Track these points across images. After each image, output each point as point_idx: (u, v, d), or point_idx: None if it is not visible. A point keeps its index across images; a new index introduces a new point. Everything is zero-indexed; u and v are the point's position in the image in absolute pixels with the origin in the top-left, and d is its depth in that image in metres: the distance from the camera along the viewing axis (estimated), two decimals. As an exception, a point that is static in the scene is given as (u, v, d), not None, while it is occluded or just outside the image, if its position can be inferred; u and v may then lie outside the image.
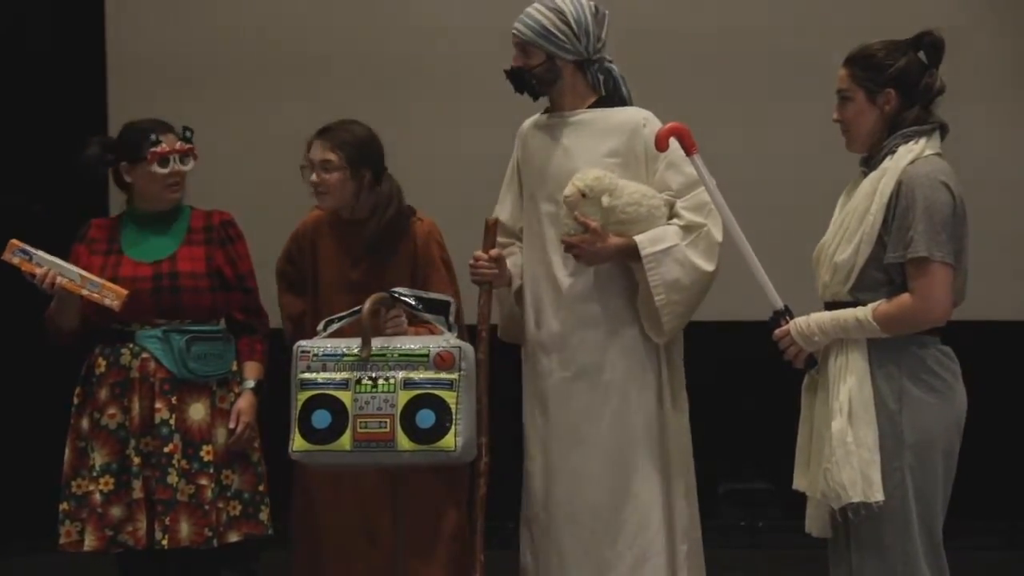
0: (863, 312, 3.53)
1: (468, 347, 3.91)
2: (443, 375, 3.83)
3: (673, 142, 3.78)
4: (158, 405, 4.11)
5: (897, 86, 3.59)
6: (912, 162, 3.55)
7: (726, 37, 6.20)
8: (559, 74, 4.16)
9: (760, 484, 6.21)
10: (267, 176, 5.95)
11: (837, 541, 3.69)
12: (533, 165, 4.25)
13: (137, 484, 4.08)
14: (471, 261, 4.16)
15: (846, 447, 3.50)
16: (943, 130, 3.64)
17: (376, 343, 3.87)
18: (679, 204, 4.11)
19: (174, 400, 4.12)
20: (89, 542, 4.08)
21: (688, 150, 3.74)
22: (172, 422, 4.11)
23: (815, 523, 3.70)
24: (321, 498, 4.23)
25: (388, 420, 3.80)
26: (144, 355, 4.13)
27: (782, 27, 6.24)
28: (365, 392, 3.83)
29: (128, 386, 4.12)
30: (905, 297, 3.52)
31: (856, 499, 3.49)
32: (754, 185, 5.81)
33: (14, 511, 6.14)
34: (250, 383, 4.25)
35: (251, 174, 6.07)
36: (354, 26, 6.29)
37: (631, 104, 4.23)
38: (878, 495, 3.49)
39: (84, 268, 4.13)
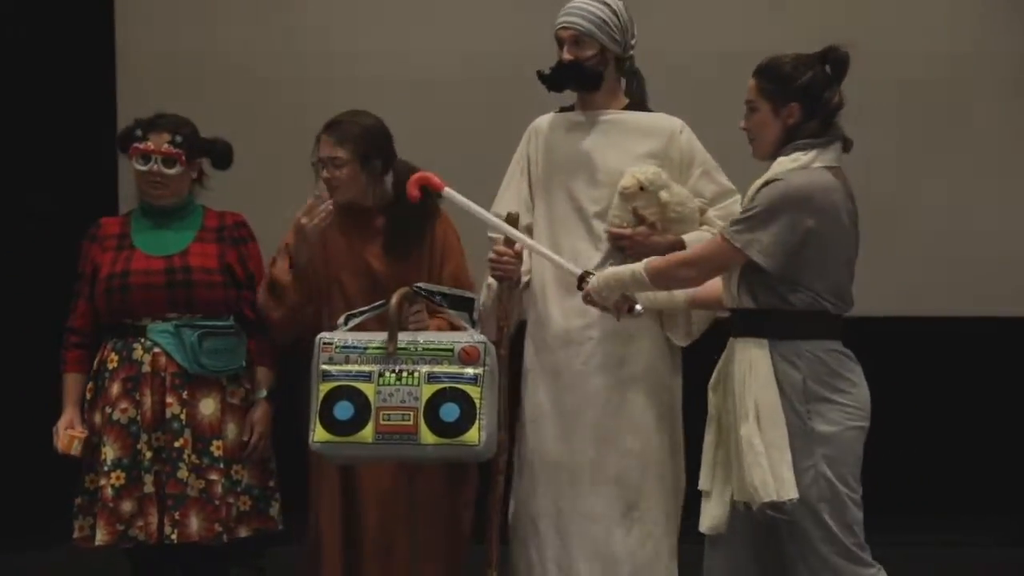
0: (639, 266, 3.75)
1: (491, 343, 3.92)
2: (468, 370, 3.83)
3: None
4: (169, 400, 4.10)
5: (802, 100, 3.66)
6: (793, 169, 3.63)
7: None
8: (607, 67, 4.20)
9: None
10: (272, 172, 5.96)
11: (731, 540, 3.73)
12: (558, 161, 4.26)
13: (148, 479, 4.08)
14: (492, 256, 4.14)
15: (754, 449, 3.57)
16: (846, 144, 3.71)
17: (400, 337, 3.87)
18: (712, 212, 4.19)
19: (185, 395, 4.12)
20: (100, 536, 4.07)
21: (437, 189, 4.02)
22: (183, 417, 4.10)
23: (711, 521, 3.73)
24: (337, 500, 4.22)
25: (412, 413, 3.79)
26: (156, 350, 4.12)
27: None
28: (389, 385, 3.81)
29: (139, 381, 4.11)
30: (680, 253, 3.79)
31: (768, 499, 3.55)
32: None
33: (28, 505, 6.14)
34: (263, 392, 4.25)
35: (257, 173, 6.06)
36: (370, 33, 6.28)
37: (650, 109, 4.30)
38: (791, 493, 3.55)
39: (97, 264, 4.18)
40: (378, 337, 3.88)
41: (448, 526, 4.24)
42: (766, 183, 3.63)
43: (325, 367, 3.87)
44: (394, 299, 3.91)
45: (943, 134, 6.16)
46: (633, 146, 4.18)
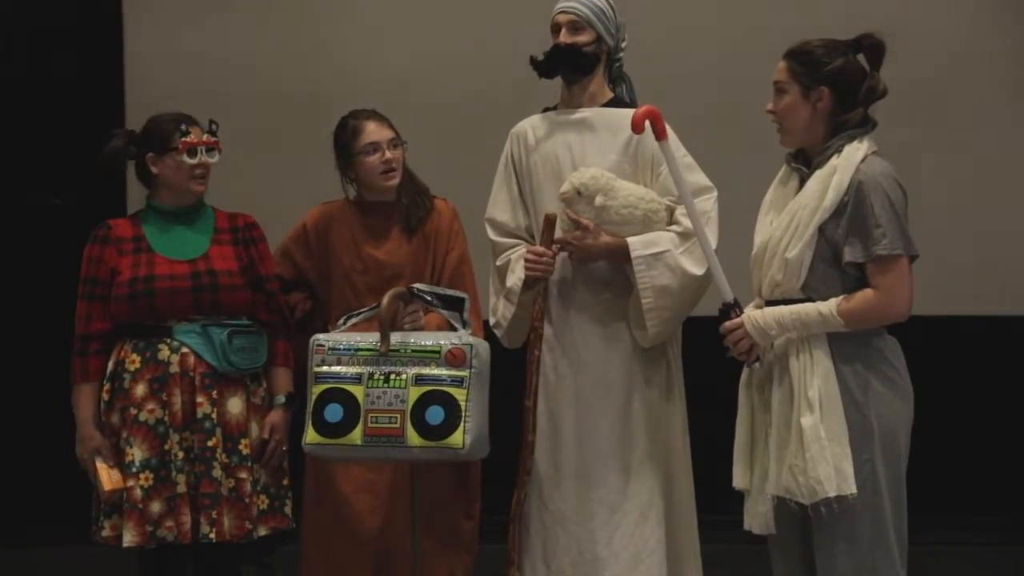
0: (826, 307, 3.53)
1: (481, 344, 3.92)
2: (454, 372, 3.84)
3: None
4: (199, 399, 4.11)
5: (832, 85, 3.59)
6: (863, 160, 3.56)
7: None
8: (600, 57, 4.21)
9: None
10: (273, 173, 6.01)
11: (786, 537, 3.67)
12: (542, 161, 4.26)
13: (181, 479, 4.08)
14: (531, 256, 4.12)
15: (820, 442, 3.49)
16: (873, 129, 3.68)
17: (393, 338, 3.90)
18: (679, 211, 4.12)
19: (214, 394, 4.12)
20: (129, 537, 4.05)
21: (659, 135, 3.78)
22: (213, 416, 4.11)
23: (757, 520, 3.67)
24: (337, 497, 4.28)
25: (399, 416, 3.82)
26: (184, 350, 4.12)
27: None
28: (377, 387, 3.85)
29: (167, 381, 4.10)
30: (870, 293, 3.53)
31: (832, 493, 3.48)
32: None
33: (36, 501, 6.21)
34: (280, 399, 4.24)
35: (258, 174, 6.09)
36: (368, 64, 6.31)
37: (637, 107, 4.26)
38: (852, 488, 3.48)
39: (115, 267, 4.17)
40: (370, 338, 3.91)
41: (451, 533, 4.28)
42: (856, 184, 3.53)
43: (317, 369, 3.93)
44: (385, 299, 3.94)
45: (943, 134, 6.19)
46: (608, 143, 4.17)
